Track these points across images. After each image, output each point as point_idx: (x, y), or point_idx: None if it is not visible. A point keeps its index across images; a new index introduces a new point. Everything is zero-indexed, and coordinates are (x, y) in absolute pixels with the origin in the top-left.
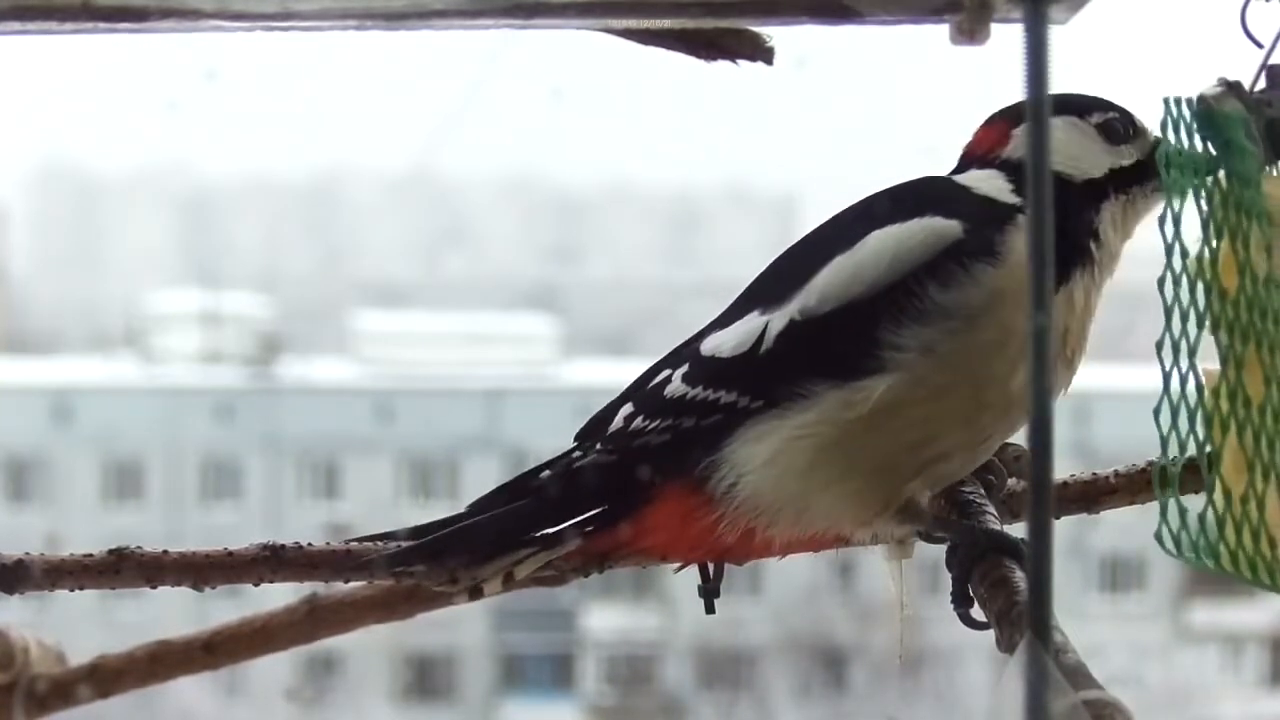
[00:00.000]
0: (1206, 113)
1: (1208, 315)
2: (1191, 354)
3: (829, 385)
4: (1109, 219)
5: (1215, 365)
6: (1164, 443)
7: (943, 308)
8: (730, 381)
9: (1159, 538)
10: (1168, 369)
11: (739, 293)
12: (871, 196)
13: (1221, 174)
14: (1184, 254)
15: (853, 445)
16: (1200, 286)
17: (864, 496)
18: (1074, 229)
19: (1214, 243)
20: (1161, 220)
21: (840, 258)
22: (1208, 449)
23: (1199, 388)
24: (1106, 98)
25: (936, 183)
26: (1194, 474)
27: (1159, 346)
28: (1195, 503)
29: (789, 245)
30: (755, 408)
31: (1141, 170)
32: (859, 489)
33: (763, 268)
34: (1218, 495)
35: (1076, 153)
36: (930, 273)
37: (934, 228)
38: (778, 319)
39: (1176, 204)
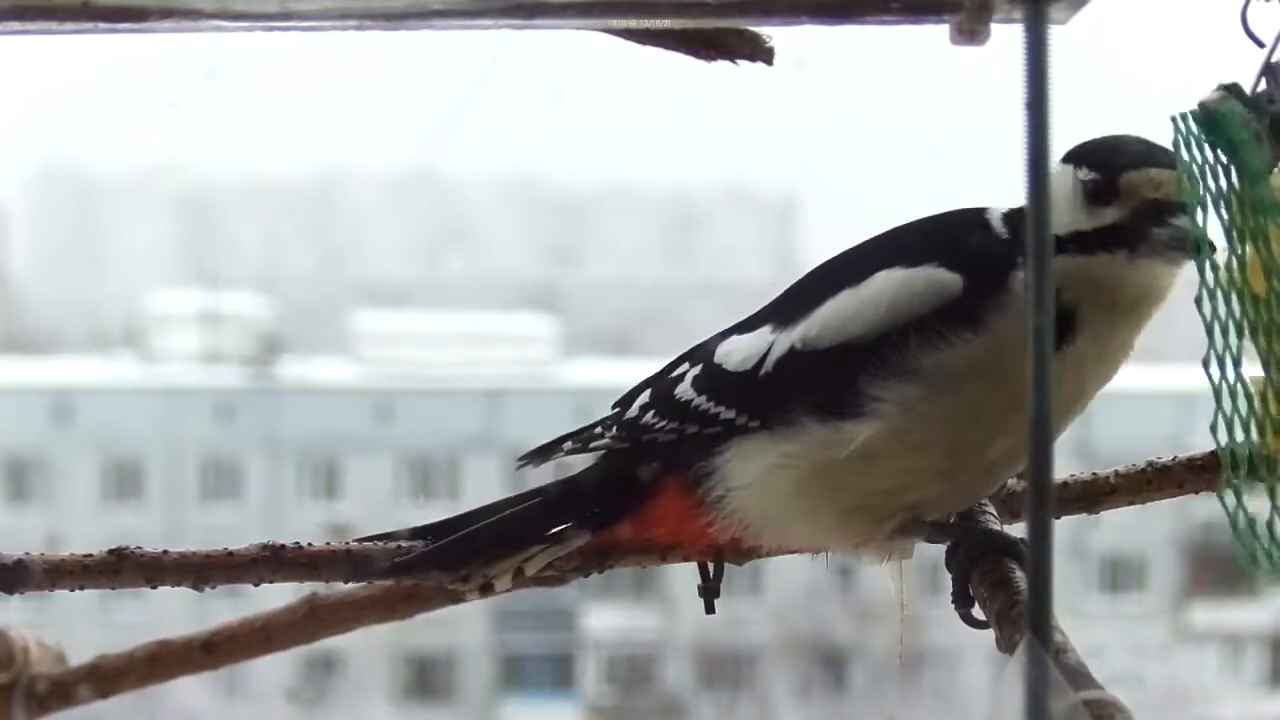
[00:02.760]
0: (1209, 117)
1: (1245, 323)
2: (1236, 364)
3: (814, 420)
4: (1061, 278)
5: (1258, 372)
6: (1225, 461)
7: (923, 369)
8: (731, 398)
9: (1250, 562)
10: (1217, 383)
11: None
12: (905, 224)
13: (1234, 178)
14: (1214, 267)
15: (831, 483)
16: (1234, 295)
17: (842, 530)
18: (980, 290)
19: (1239, 249)
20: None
21: (847, 292)
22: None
23: (1248, 396)
24: (1109, 149)
25: (964, 218)
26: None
27: (1206, 363)
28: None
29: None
30: (752, 426)
31: (1114, 235)
32: (837, 523)
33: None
34: None
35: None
36: (919, 328)
37: (934, 280)
38: (781, 342)
39: (1199, 219)
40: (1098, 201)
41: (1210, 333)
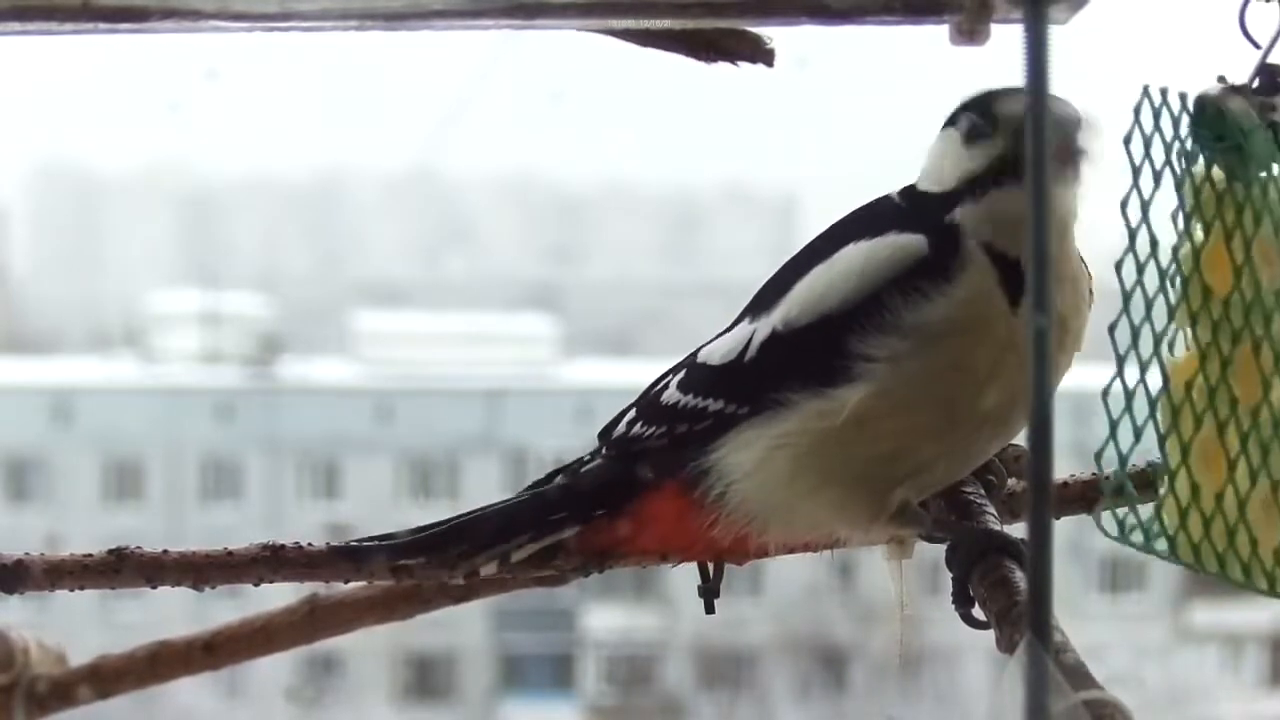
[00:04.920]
0: (1216, 114)
1: (1180, 308)
2: (1156, 343)
3: (806, 394)
4: (968, 228)
5: (1176, 355)
6: (1113, 427)
7: (906, 324)
8: (719, 389)
9: (1098, 521)
10: (1123, 353)
11: (739, 293)
12: (858, 208)
13: (1215, 172)
14: (1153, 243)
15: (830, 455)
16: (1173, 278)
17: (847, 505)
18: (941, 247)
19: (1198, 237)
20: (1125, 203)
21: (818, 269)
22: (1169, 438)
23: (1164, 378)
24: (981, 94)
25: (885, 201)
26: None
27: (1112, 329)
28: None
29: (791, 248)
30: (742, 414)
31: (1003, 167)
32: (841, 497)
33: (763, 269)
34: (1181, 486)
35: (936, 165)
36: (897, 288)
37: (900, 244)
38: (762, 328)
39: (1146, 189)
40: (979, 139)
41: (1127, 302)
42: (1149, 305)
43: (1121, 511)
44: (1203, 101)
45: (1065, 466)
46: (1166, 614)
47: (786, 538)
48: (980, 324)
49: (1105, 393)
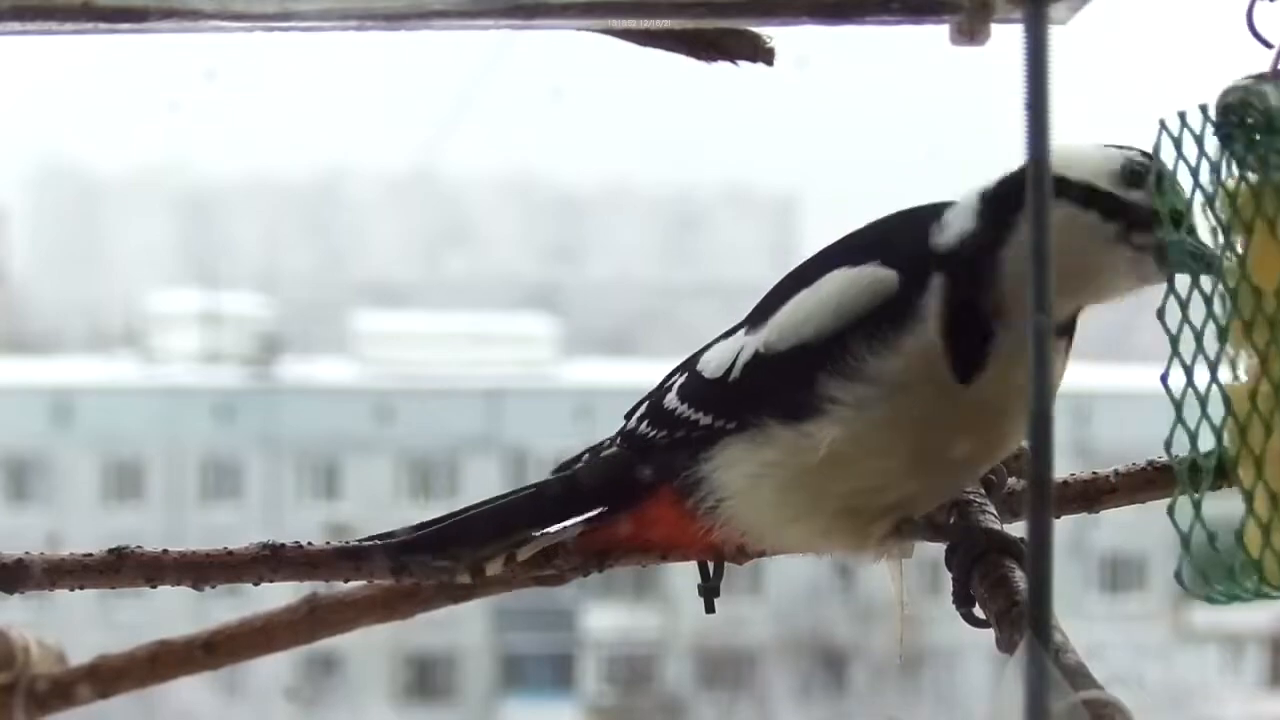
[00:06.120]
0: (1242, 102)
1: (1233, 327)
2: (1213, 368)
3: (781, 425)
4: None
5: (1233, 378)
6: (1181, 476)
7: (870, 371)
8: (708, 404)
9: (1180, 580)
10: (1180, 393)
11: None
12: (870, 223)
13: (1250, 174)
14: (1194, 276)
15: (811, 487)
16: (1219, 295)
17: (832, 533)
18: (908, 292)
19: (1239, 246)
20: None
21: (804, 292)
22: (1241, 461)
23: (1227, 405)
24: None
25: (927, 210)
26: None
27: (1164, 378)
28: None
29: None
30: (730, 429)
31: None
32: (825, 527)
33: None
34: (1260, 505)
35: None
36: (862, 330)
37: (875, 278)
38: (748, 347)
39: (1174, 234)
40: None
41: (1175, 341)
42: (1198, 339)
43: (1201, 560)
44: (1227, 95)
45: (1065, 466)
46: (1166, 614)
47: (779, 551)
48: (941, 378)
49: (1168, 444)
